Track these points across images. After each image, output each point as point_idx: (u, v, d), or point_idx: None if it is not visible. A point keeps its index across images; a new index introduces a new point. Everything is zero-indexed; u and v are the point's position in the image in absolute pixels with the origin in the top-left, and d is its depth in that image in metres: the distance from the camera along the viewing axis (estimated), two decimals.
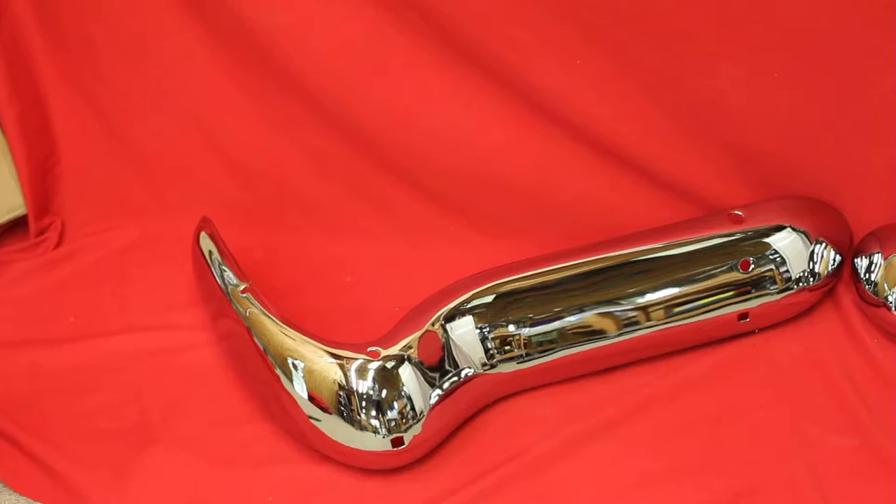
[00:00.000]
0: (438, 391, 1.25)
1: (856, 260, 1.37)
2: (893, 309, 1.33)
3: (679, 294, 1.32)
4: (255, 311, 1.28)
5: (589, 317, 1.31)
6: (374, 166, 1.50)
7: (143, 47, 1.50)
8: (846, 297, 1.41)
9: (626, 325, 1.31)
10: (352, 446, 1.22)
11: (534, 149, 1.45)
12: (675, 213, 1.42)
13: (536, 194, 1.48)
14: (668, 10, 1.31)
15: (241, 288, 1.30)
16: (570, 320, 1.30)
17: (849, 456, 1.25)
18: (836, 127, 1.36)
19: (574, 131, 1.42)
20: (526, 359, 1.29)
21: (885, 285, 1.34)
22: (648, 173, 1.44)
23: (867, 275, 1.36)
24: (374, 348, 1.24)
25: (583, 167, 1.46)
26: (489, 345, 1.28)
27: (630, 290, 1.32)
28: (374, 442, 1.22)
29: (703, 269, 1.33)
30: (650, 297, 1.32)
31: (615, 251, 1.34)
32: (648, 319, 1.32)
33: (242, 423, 1.31)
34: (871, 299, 1.36)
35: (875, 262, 1.35)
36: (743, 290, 1.34)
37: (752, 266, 1.33)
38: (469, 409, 1.29)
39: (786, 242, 1.35)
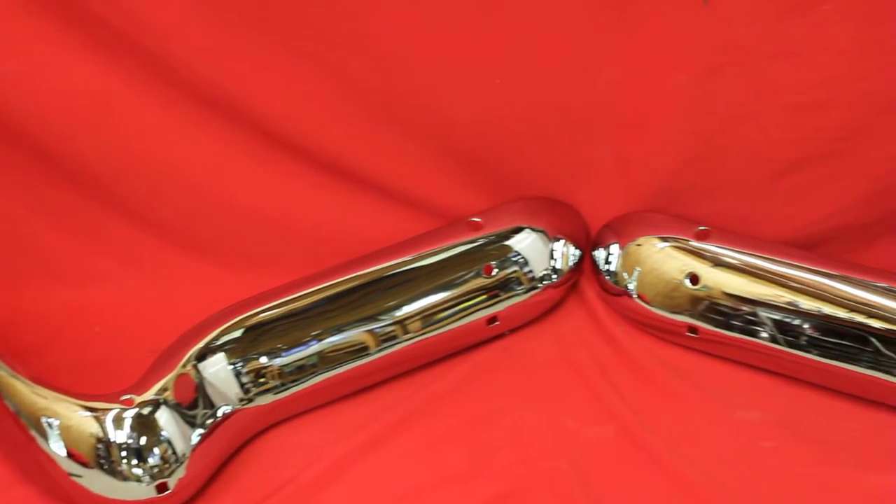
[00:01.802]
0: (199, 431, 1.36)
1: (594, 253, 1.56)
2: (635, 296, 1.54)
3: (428, 305, 1.48)
4: (1, 374, 1.36)
5: (342, 338, 1.45)
6: (111, 212, 1.62)
7: None
8: (589, 290, 1.61)
9: (381, 342, 1.46)
10: (117, 498, 1.32)
11: (270, 178, 1.60)
12: (416, 227, 1.57)
13: (278, 223, 1.63)
14: (381, 30, 1.47)
15: None
16: (324, 343, 1.44)
17: (607, 445, 1.43)
18: (561, 125, 1.54)
19: (308, 156, 1.57)
20: (283, 388, 1.43)
21: (625, 274, 1.54)
22: (386, 190, 1.60)
23: (606, 266, 1.56)
24: (127, 396, 1.34)
25: (321, 191, 1.61)
26: (244, 379, 1.41)
27: (380, 307, 1.47)
28: (138, 491, 1.33)
29: (449, 279, 1.50)
30: (402, 312, 1.47)
31: (362, 270, 1.49)
32: (403, 333, 1.47)
33: (1, 490, 1.40)
34: (612, 289, 1.56)
35: (612, 252, 1.55)
36: (490, 293, 1.52)
37: (496, 270, 1.51)
38: (232, 444, 1.41)
39: (526, 243, 1.54)
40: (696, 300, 1.50)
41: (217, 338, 1.42)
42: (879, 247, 1.59)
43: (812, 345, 1.45)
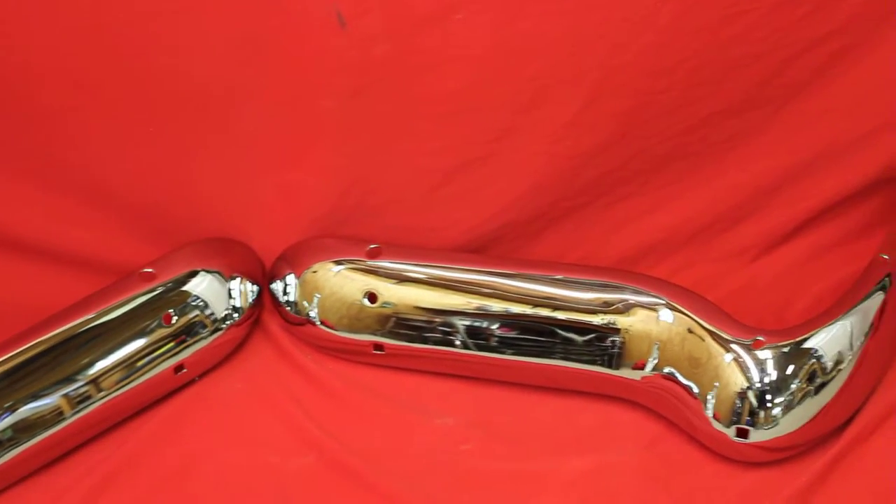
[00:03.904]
0: None
1: (272, 286, 1.68)
2: (318, 323, 1.66)
3: (112, 363, 1.58)
4: None
5: (28, 409, 1.53)
6: None
7: None
8: (272, 323, 1.72)
9: (73, 405, 1.54)
10: None
11: None
12: (88, 286, 1.63)
13: None
14: (28, 90, 1.58)
15: None
16: (11, 418, 1.52)
17: (311, 473, 1.55)
18: (219, 165, 1.66)
19: None
20: None
21: (305, 303, 1.67)
22: (53, 254, 1.69)
23: (285, 297, 1.68)
24: None
25: None
26: None
27: (64, 371, 1.54)
28: None
29: (129, 333, 1.60)
30: (85, 373, 1.56)
31: (40, 336, 1.56)
32: (91, 394, 1.55)
33: None
34: (294, 319, 1.68)
35: (289, 283, 1.67)
36: (175, 341, 1.62)
37: (175, 317, 1.62)
38: None
39: (203, 286, 1.66)
40: (377, 318, 1.64)
41: None
42: (545, 240, 1.77)
43: (504, 345, 1.62)
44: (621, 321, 1.55)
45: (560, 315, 1.58)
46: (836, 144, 1.67)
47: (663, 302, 1.55)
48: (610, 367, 1.56)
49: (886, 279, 1.53)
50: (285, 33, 1.55)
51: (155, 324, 1.62)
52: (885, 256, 1.56)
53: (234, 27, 1.55)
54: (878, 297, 1.53)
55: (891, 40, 1.59)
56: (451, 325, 1.62)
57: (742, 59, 1.58)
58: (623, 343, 1.55)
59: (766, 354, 1.49)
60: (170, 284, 1.65)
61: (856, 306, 1.51)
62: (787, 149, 1.69)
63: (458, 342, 1.62)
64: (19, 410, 1.51)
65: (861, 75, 1.60)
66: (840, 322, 1.50)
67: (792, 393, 1.47)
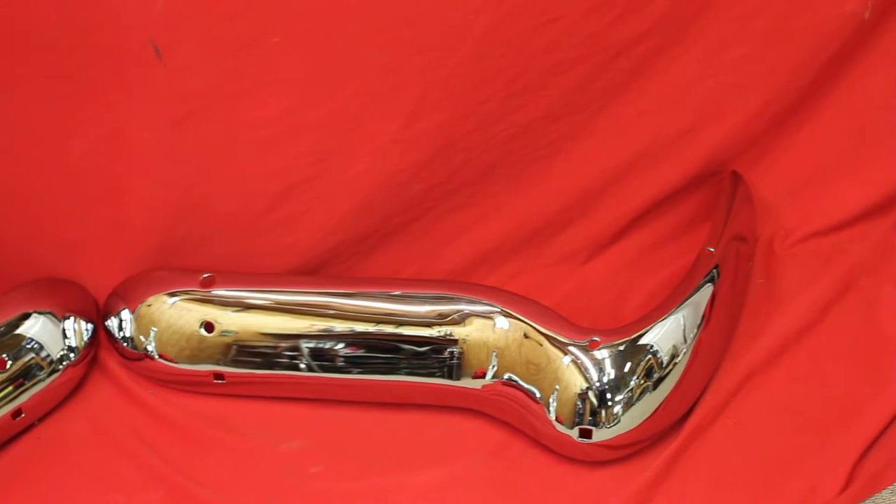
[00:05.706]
0: None
1: (107, 323, 1.67)
2: (157, 356, 1.65)
3: None
4: None
5: None
6: None
7: None
8: (110, 360, 1.71)
9: None
10: None
11: None
12: None
13: None
14: None
15: None
16: None
17: None
18: (43, 204, 1.66)
19: None
20: None
21: (142, 337, 1.65)
22: None
23: (121, 333, 1.67)
24: None
25: None
26: None
27: None
28: None
29: None
30: None
31: None
32: None
33: None
34: (132, 355, 1.66)
35: (125, 318, 1.66)
36: (12, 386, 1.60)
37: (10, 361, 1.59)
38: None
39: (36, 328, 1.63)
40: (218, 347, 1.63)
41: None
42: (379, 257, 1.78)
43: (347, 364, 1.62)
44: (458, 332, 1.57)
45: (399, 330, 1.58)
46: (656, 143, 1.71)
47: (498, 310, 1.56)
48: (451, 378, 1.58)
49: (714, 271, 1.60)
50: (102, 67, 1.55)
51: None
52: (712, 249, 1.62)
53: (51, 62, 1.55)
54: (708, 289, 1.58)
55: (699, 38, 1.66)
56: (293, 349, 1.62)
57: (558, 65, 1.62)
58: (462, 353, 1.56)
59: (603, 354, 1.52)
60: (2, 329, 1.62)
61: (687, 299, 1.57)
62: (609, 150, 1.73)
63: (301, 365, 1.61)
64: None
65: (674, 75, 1.65)
66: (673, 316, 1.54)
67: (631, 390, 1.50)
